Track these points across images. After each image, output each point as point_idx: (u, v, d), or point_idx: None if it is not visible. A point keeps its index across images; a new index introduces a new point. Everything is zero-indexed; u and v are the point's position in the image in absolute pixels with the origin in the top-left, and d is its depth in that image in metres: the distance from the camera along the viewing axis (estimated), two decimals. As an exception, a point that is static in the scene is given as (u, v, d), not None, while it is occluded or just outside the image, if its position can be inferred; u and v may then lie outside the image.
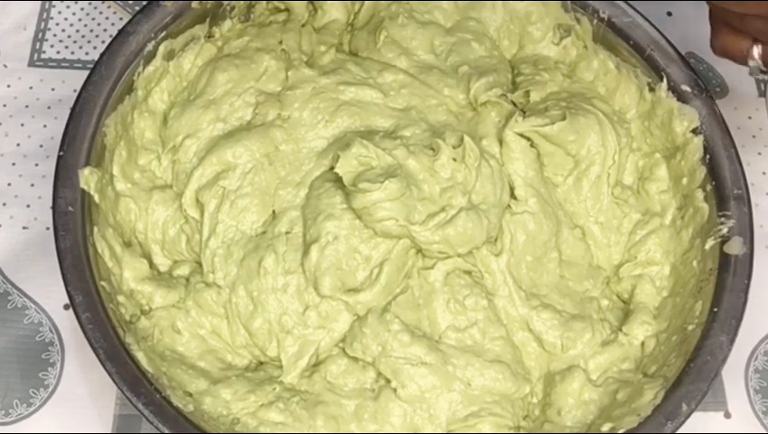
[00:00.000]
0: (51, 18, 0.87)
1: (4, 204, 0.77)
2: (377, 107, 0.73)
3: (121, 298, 0.66)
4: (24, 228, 0.77)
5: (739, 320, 0.65)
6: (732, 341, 0.64)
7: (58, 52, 0.85)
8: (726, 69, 0.88)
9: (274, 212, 0.70)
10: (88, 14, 0.87)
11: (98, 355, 0.60)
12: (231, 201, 0.69)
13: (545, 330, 0.68)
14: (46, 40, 0.86)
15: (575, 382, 0.67)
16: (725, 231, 0.68)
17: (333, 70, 0.74)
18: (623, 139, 0.73)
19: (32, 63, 0.84)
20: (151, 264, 0.69)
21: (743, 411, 0.73)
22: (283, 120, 0.72)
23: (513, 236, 0.69)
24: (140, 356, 0.62)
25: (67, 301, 0.64)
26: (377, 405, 0.65)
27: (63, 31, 0.86)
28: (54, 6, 0.87)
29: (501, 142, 0.72)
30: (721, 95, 0.87)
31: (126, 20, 0.73)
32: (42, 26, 0.86)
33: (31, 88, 0.83)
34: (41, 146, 0.80)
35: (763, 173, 0.83)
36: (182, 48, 0.74)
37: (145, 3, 0.72)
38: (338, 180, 0.68)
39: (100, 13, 0.88)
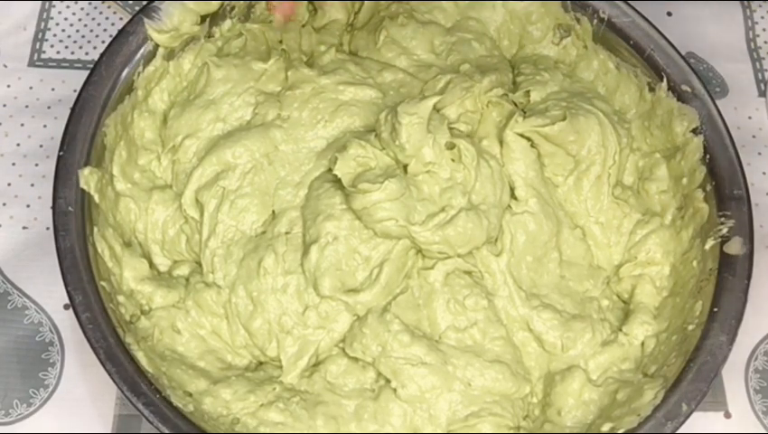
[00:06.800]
0: (51, 18, 0.87)
1: (4, 204, 0.77)
2: (376, 106, 0.73)
3: (121, 298, 0.66)
4: (24, 228, 0.76)
5: (739, 320, 0.65)
6: (732, 341, 0.64)
7: (58, 52, 0.85)
8: (726, 69, 0.88)
9: (273, 212, 0.70)
10: (88, 14, 0.87)
11: (98, 355, 0.61)
12: (231, 201, 0.69)
13: (545, 330, 0.68)
14: (46, 40, 0.86)
15: (575, 382, 0.67)
16: (725, 231, 0.68)
17: (333, 70, 0.74)
18: (624, 139, 0.73)
19: (32, 63, 0.84)
20: (151, 264, 0.69)
21: (743, 411, 0.73)
22: (282, 120, 0.72)
23: (513, 236, 0.69)
24: (140, 356, 0.62)
25: (67, 301, 0.64)
26: (377, 405, 0.65)
27: (63, 31, 0.86)
28: (54, 6, 0.87)
29: (501, 142, 0.72)
30: (721, 95, 0.87)
31: (126, 20, 0.73)
32: (42, 26, 0.86)
33: (31, 88, 0.83)
34: (41, 146, 0.80)
35: (763, 173, 0.83)
36: (182, 48, 0.74)
37: (145, 3, 0.72)
38: (337, 180, 0.67)
39: (100, 13, 0.88)
